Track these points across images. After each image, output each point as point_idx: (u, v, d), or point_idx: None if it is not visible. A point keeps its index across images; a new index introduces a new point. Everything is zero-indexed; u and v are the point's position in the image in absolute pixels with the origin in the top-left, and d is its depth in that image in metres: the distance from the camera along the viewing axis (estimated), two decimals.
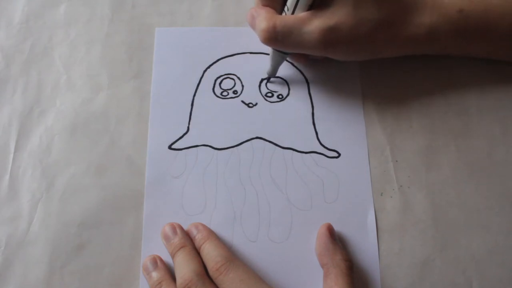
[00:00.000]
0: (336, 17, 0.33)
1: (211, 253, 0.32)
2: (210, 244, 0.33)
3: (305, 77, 0.40)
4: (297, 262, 0.34)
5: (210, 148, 0.37)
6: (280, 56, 0.37)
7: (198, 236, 0.34)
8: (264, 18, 0.34)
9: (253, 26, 0.36)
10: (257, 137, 0.38)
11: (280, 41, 0.34)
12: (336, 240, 0.34)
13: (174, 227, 0.34)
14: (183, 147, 0.37)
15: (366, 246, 0.35)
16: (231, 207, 0.36)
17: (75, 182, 0.36)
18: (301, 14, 0.34)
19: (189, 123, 0.38)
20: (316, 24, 0.33)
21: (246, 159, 0.37)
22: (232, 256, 0.32)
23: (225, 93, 0.39)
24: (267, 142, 0.38)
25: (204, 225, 0.35)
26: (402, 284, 0.34)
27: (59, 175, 0.37)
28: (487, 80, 0.39)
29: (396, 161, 0.37)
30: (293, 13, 0.34)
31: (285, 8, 0.35)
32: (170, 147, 0.37)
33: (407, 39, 0.35)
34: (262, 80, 0.40)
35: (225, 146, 0.37)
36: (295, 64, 0.40)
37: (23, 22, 0.42)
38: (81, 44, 0.41)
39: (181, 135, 0.38)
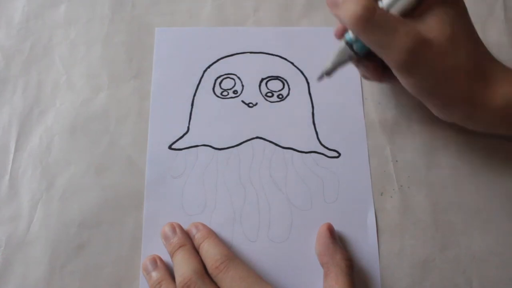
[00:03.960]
0: (431, 34, 0.30)
1: (210, 252, 0.32)
2: (209, 243, 0.33)
3: (305, 77, 0.40)
4: (297, 262, 0.34)
5: (210, 148, 0.37)
6: (348, 55, 0.32)
7: (197, 235, 0.34)
8: None
9: (335, 2, 0.31)
10: (257, 137, 0.38)
11: (371, 29, 0.29)
12: (336, 239, 0.34)
13: (174, 227, 0.34)
14: (183, 147, 0.37)
15: (366, 246, 0.35)
16: (231, 207, 0.36)
17: (75, 182, 0.36)
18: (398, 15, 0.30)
19: (189, 123, 0.38)
20: (412, 28, 0.30)
21: (246, 159, 0.37)
22: (231, 254, 0.32)
23: (225, 93, 0.39)
24: (267, 142, 0.38)
25: (204, 225, 0.35)
26: (402, 284, 0.34)
27: (59, 175, 0.37)
28: None
29: (396, 161, 0.37)
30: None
31: (379, 3, 0.31)
32: (170, 147, 0.37)
33: (482, 102, 0.31)
34: (262, 79, 0.40)
35: (225, 146, 0.37)
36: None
37: (23, 22, 0.42)
38: (81, 44, 0.41)
39: (181, 135, 0.38)
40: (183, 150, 0.37)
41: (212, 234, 0.34)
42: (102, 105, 0.39)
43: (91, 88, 0.39)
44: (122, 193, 0.36)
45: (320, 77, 0.34)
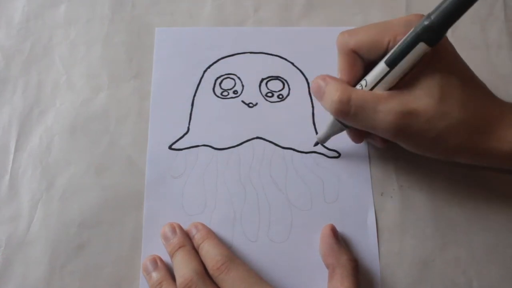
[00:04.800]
0: (416, 103, 0.30)
1: (210, 252, 0.32)
2: (209, 243, 0.33)
3: (305, 77, 0.40)
4: (297, 262, 0.34)
5: (210, 148, 0.37)
6: (340, 128, 0.34)
7: (197, 236, 0.34)
8: (338, 88, 0.31)
9: (319, 95, 0.33)
10: (257, 137, 0.38)
11: (352, 116, 0.31)
12: (340, 240, 0.34)
13: (174, 227, 0.34)
14: (183, 147, 0.37)
15: (366, 246, 0.35)
16: (231, 207, 0.36)
17: (75, 182, 0.36)
18: (378, 92, 0.31)
19: (189, 123, 0.38)
20: (393, 105, 0.30)
21: (246, 159, 0.37)
22: (232, 255, 0.32)
23: (225, 93, 0.39)
24: (267, 142, 0.38)
25: (203, 225, 0.35)
26: (402, 284, 0.34)
27: (59, 175, 0.37)
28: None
29: (396, 161, 0.37)
30: (371, 89, 0.31)
31: (363, 83, 0.32)
32: (170, 147, 0.37)
33: (488, 150, 0.31)
34: (262, 79, 0.40)
35: (225, 146, 0.37)
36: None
37: (23, 22, 0.42)
38: (81, 44, 0.41)
39: (181, 135, 0.38)
40: (183, 150, 0.37)
41: (212, 234, 0.34)
42: (102, 105, 0.39)
43: (91, 88, 0.39)
44: (122, 193, 0.36)
45: (316, 144, 0.37)
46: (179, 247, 0.33)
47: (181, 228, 0.34)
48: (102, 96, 0.39)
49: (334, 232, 0.34)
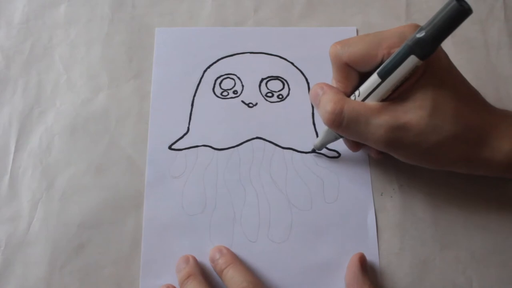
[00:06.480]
0: (408, 116, 0.29)
1: (235, 278, 0.32)
2: (234, 269, 0.32)
3: (305, 77, 0.40)
4: (297, 262, 0.34)
5: (210, 148, 0.37)
6: (335, 136, 0.35)
7: (221, 260, 0.33)
8: (331, 99, 0.31)
9: (316, 103, 0.33)
10: (257, 137, 0.38)
11: (344, 127, 0.31)
12: (366, 270, 0.33)
13: (188, 258, 0.34)
14: (183, 147, 0.37)
15: (366, 246, 0.35)
16: (231, 207, 0.36)
17: (75, 182, 0.36)
18: (371, 103, 0.30)
19: (189, 123, 0.38)
20: (384, 118, 0.30)
21: (246, 159, 0.37)
22: (257, 280, 0.32)
23: (225, 93, 0.39)
24: (267, 142, 0.38)
25: (228, 249, 0.34)
26: (402, 284, 0.34)
27: (59, 175, 0.37)
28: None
29: (396, 161, 0.37)
30: (363, 100, 0.31)
31: (356, 93, 0.31)
32: (170, 147, 0.37)
33: (481, 161, 0.31)
34: (262, 79, 0.40)
35: (225, 146, 0.37)
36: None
37: (23, 22, 0.42)
38: (81, 44, 0.41)
39: (181, 135, 0.38)
40: (183, 150, 0.37)
41: (237, 260, 0.33)
42: (102, 105, 0.39)
43: (91, 88, 0.39)
44: (122, 193, 0.36)
45: (312, 151, 0.37)
46: (189, 276, 0.32)
47: (194, 258, 0.34)
48: (102, 96, 0.39)
49: (362, 262, 0.33)
